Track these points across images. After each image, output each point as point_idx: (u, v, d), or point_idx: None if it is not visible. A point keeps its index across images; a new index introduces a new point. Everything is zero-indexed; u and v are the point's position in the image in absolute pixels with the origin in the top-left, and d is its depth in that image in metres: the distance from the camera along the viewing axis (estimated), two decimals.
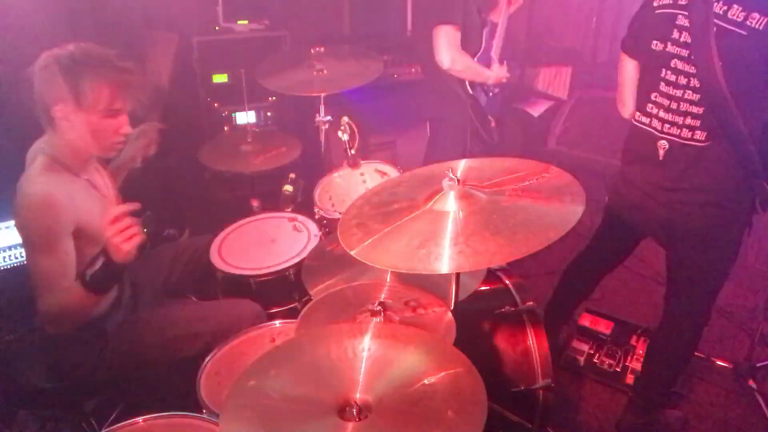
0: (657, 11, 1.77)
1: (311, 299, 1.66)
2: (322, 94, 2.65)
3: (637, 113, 1.89)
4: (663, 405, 2.24)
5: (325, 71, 2.40)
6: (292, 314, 2.10)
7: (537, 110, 3.97)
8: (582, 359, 2.56)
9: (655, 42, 1.77)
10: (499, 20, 2.86)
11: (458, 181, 1.35)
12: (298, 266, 1.89)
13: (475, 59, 2.72)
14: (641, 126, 1.88)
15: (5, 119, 2.64)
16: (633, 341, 2.63)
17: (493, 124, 2.93)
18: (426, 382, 1.10)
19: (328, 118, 2.67)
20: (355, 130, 2.71)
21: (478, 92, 2.81)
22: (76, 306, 1.58)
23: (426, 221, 1.32)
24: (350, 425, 1.03)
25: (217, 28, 3.38)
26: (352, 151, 2.48)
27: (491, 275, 1.92)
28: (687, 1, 1.69)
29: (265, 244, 2.18)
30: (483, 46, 2.77)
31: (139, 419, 1.36)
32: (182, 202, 3.72)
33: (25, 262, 1.60)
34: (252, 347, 1.67)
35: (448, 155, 2.83)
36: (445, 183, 1.35)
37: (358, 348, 1.21)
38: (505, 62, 2.90)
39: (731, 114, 1.66)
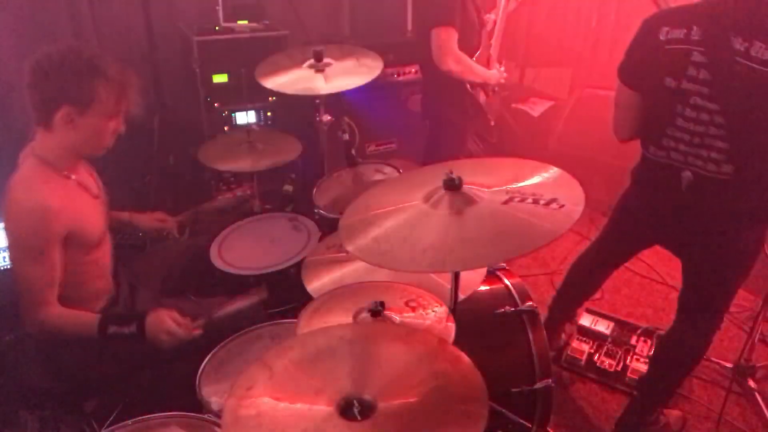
0: (667, 46, 1.66)
1: (311, 299, 1.66)
2: (322, 94, 2.65)
3: (652, 147, 1.81)
4: (664, 405, 2.24)
5: (325, 71, 2.40)
6: (292, 314, 2.10)
7: (537, 110, 3.97)
8: (582, 359, 2.56)
9: (668, 79, 1.68)
10: (497, 20, 2.87)
11: (458, 180, 1.34)
12: (298, 266, 1.89)
13: (474, 59, 2.72)
14: (658, 159, 1.80)
15: (6, 119, 2.65)
16: (633, 341, 2.62)
17: (492, 123, 2.93)
18: (426, 381, 1.10)
19: (328, 118, 2.68)
20: (355, 130, 2.71)
21: (478, 92, 2.82)
22: (61, 326, 1.58)
23: (426, 221, 1.32)
24: (352, 425, 1.03)
25: (217, 28, 3.39)
26: (352, 151, 2.48)
27: (491, 275, 1.93)
28: (700, 37, 1.60)
29: (265, 244, 2.18)
30: (481, 46, 2.77)
31: (139, 419, 1.35)
32: (182, 202, 3.73)
33: (11, 267, 1.59)
34: (252, 347, 1.67)
35: (448, 155, 2.84)
36: (445, 183, 1.35)
37: (358, 348, 1.21)
38: (503, 62, 2.90)
39: (761, 149, 1.61)
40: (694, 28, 1.61)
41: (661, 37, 1.67)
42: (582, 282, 2.46)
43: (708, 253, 1.86)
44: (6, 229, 1.56)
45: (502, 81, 2.86)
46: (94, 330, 1.58)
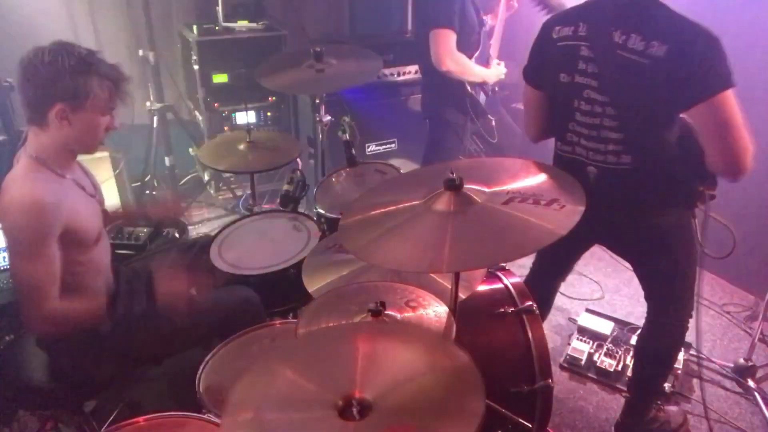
0: (558, 44, 1.76)
1: (311, 299, 1.66)
2: (322, 94, 2.66)
3: (559, 143, 1.88)
4: (659, 402, 2.24)
5: (325, 71, 2.40)
6: (292, 314, 2.10)
7: None
8: (582, 359, 2.56)
9: (562, 75, 1.76)
10: (497, 21, 2.87)
11: (458, 180, 1.34)
12: (298, 266, 1.89)
13: (473, 59, 2.72)
14: (566, 155, 1.86)
15: (6, 119, 2.65)
16: (633, 341, 2.62)
17: (493, 123, 2.94)
18: (426, 381, 1.10)
19: (328, 118, 2.68)
20: (355, 130, 2.71)
21: (478, 91, 2.82)
22: (65, 317, 1.59)
23: (426, 221, 1.32)
24: (351, 425, 1.03)
25: (217, 28, 3.39)
26: (352, 151, 2.48)
27: (491, 275, 1.92)
28: (586, 32, 1.69)
29: (265, 244, 2.18)
30: (481, 46, 2.78)
31: (140, 419, 1.35)
32: (182, 202, 3.73)
33: (10, 268, 1.58)
34: (252, 347, 1.67)
35: (448, 155, 2.85)
36: (445, 183, 1.35)
37: (359, 348, 1.21)
38: (502, 62, 2.90)
39: (651, 137, 1.68)
40: (581, 24, 1.71)
41: (554, 36, 1.78)
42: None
43: (637, 244, 1.92)
44: (3, 228, 1.56)
45: (502, 77, 2.87)
46: (103, 310, 1.61)
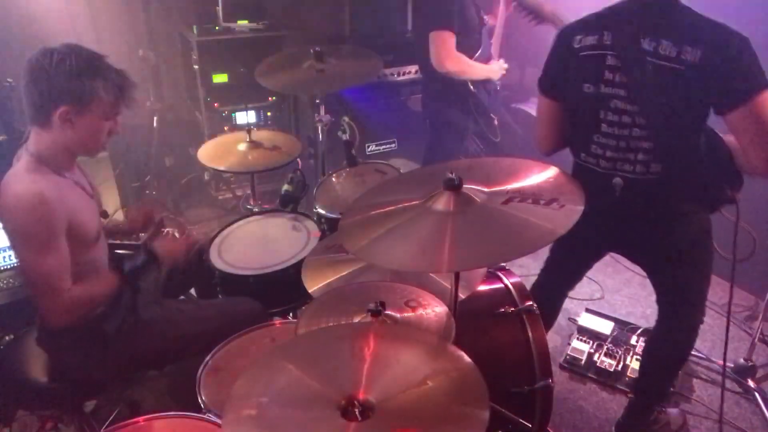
0: (581, 54, 1.71)
1: (311, 299, 1.66)
2: (323, 94, 2.66)
3: (582, 154, 1.84)
4: (662, 404, 2.24)
5: (325, 71, 2.40)
6: (292, 314, 2.10)
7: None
8: (582, 359, 2.56)
9: (586, 85, 1.72)
10: (497, 20, 2.87)
11: (458, 180, 1.34)
12: (298, 266, 1.89)
13: (474, 59, 2.72)
14: (589, 166, 1.82)
15: (7, 118, 2.65)
16: (633, 341, 2.63)
17: (495, 122, 2.94)
18: (427, 381, 1.10)
19: (328, 118, 2.68)
20: (355, 130, 2.71)
21: (480, 90, 2.81)
22: (85, 298, 1.60)
23: (426, 221, 1.32)
24: (353, 425, 1.03)
25: (217, 28, 3.39)
26: (352, 151, 2.48)
27: (491, 275, 1.92)
28: (612, 41, 1.65)
29: (265, 244, 2.18)
30: (482, 45, 2.77)
31: (140, 419, 1.35)
32: (182, 202, 3.73)
33: (21, 264, 1.58)
34: (252, 347, 1.67)
35: (448, 155, 2.85)
36: (445, 183, 1.35)
37: (359, 348, 1.21)
38: (502, 59, 2.91)
39: (682, 143, 1.66)
40: (605, 33, 1.66)
41: (575, 45, 1.72)
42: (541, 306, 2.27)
43: (657, 252, 1.89)
44: (9, 227, 1.56)
45: (503, 72, 2.87)
46: (115, 279, 1.68)
